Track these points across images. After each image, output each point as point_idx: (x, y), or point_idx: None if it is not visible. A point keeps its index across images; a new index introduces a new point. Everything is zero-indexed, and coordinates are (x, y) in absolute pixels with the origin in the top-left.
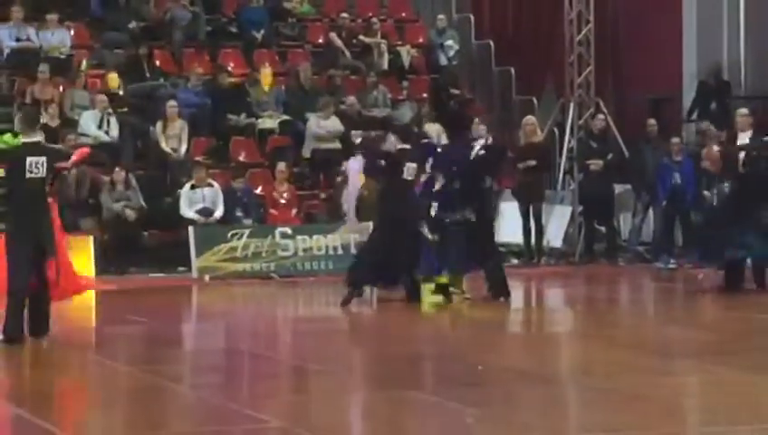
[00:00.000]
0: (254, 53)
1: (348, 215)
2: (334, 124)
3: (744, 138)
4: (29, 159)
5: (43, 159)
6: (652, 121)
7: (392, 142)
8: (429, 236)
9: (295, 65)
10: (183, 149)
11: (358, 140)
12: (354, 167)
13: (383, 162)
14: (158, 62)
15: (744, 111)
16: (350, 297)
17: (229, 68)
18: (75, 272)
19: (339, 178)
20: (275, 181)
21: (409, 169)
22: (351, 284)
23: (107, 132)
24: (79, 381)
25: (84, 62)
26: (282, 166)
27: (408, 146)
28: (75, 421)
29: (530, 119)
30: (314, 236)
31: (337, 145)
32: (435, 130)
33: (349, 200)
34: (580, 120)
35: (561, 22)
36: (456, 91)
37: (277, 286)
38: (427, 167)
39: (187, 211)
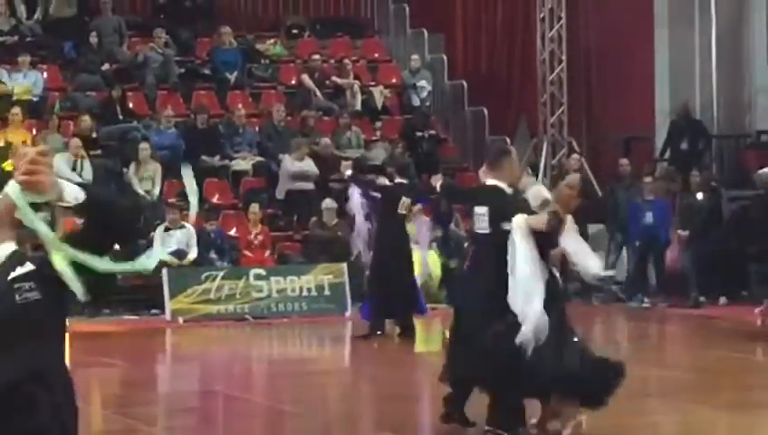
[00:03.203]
0: (227, 94)
1: (361, 251)
2: (309, 166)
3: None
4: None
5: None
6: (625, 161)
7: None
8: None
9: (268, 106)
10: (156, 191)
11: (348, 172)
12: (356, 197)
13: (378, 195)
14: (131, 105)
15: None
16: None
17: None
18: None
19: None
20: (249, 223)
21: (404, 204)
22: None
23: (80, 175)
24: None
25: (57, 105)
26: (255, 207)
27: (404, 181)
28: None
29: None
30: (288, 278)
31: (311, 186)
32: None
33: (360, 235)
34: (553, 160)
35: (534, 62)
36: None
37: (251, 328)
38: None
39: (161, 253)
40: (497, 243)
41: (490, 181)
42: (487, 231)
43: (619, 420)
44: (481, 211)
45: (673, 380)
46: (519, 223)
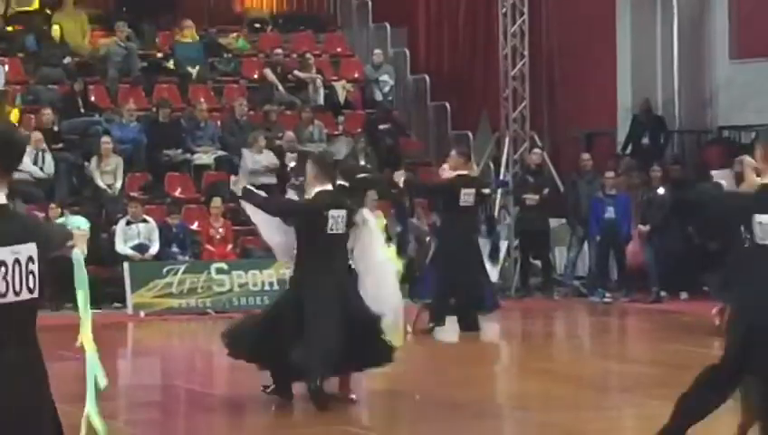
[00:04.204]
0: (189, 88)
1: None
2: (269, 158)
3: None
4: None
5: None
6: (586, 156)
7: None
8: None
9: (231, 100)
10: (118, 184)
11: (292, 164)
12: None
13: None
14: (93, 98)
15: None
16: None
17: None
18: None
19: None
20: (211, 217)
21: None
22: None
23: (42, 168)
24: None
25: (19, 98)
26: (217, 201)
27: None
28: None
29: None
30: (250, 272)
31: (272, 180)
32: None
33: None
34: (515, 155)
35: (497, 57)
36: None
37: (213, 322)
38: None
39: (123, 247)
40: (345, 242)
41: (326, 187)
42: (342, 232)
43: (579, 414)
44: (341, 214)
45: (633, 374)
46: (369, 216)
